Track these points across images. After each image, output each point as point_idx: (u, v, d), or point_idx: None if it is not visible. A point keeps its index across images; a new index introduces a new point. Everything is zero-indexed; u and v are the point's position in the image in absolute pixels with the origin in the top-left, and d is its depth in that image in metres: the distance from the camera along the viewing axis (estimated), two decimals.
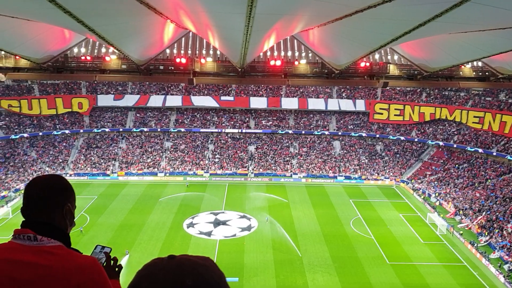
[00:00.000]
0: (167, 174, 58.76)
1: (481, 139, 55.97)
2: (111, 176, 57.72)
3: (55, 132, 61.48)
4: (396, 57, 39.71)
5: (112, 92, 64.94)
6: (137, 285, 1.44)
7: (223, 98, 64.98)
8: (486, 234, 39.86)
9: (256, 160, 61.67)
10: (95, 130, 63.72)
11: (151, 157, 61.42)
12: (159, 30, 26.63)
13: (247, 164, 61.00)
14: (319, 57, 35.10)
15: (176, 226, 41.08)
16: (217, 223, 42.03)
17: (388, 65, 38.71)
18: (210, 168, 60.20)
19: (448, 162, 58.42)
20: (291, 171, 60.06)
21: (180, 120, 65.81)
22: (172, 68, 37.09)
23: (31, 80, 60.14)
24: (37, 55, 31.11)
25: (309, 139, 65.57)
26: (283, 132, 65.10)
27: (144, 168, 59.56)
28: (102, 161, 60.22)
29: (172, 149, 63.27)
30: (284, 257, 34.95)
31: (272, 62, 37.01)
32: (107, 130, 64.04)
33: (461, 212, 45.55)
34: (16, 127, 59.77)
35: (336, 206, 47.91)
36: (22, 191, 49.78)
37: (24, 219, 2.07)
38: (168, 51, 39.02)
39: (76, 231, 37.06)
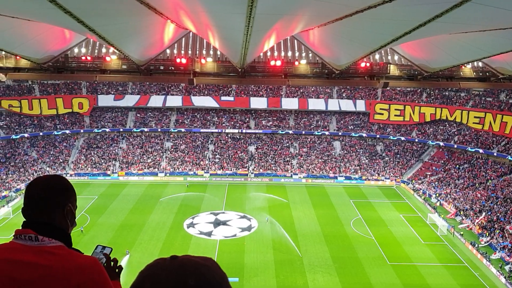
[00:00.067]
0: (168, 174, 58.78)
1: (482, 140, 55.95)
2: (111, 176, 57.75)
3: (55, 132, 61.52)
4: (396, 57, 39.69)
5: (112, 92, 64.99)
6: (140, 285, 1.45)
7: (223, 98, 65.00)
8: (487, 234, 39.84)
9: (256, 161, 61.68)
10: (96, 130, 63.77)
11: (152, 157, 61.44)
12: (159, 30, 26.63)
13: (247, 165, 61.01)
14: (319, 57, 35.07)
15: (177, 226, 41.09)
16: (217, 223, 42.04)
17: (389, 65, 38.67)
18: (210, 168, 60.22)
19: (448, 162, 58.40)
20: (291, 172, 60.06)
21: (180, 120, 65.84)
22: (173, 68, 37.09)
23: (32, 80, 60.20)
24: (37, 55, 31.11)
25: (309, 139, 65.58)
26: (283, 132, 65.11)
27: (145, 168, 59.58)
28: (102, 161, 60.26)
29: (172, 149, 63.29)
30: (284, 257, 34.95)
31: (272, 63, 36.99)
32: (107, 130, 64.08)
33: (461, 212, 45.53)
34: (17, 127, 59.82)
35: (337, 206, 47.91)
36: (23, 191, 49.96)
37: (25, 220, 2.07)
38: (168, 51, 39.02)
39: (76, 231, 37.07)
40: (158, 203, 47.70)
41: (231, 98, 65.39)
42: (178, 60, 36.29)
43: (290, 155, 62.99)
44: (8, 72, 35.66)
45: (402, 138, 63.15)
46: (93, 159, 60.40)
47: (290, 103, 65.55)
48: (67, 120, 63.10)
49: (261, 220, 42.57)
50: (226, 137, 65.65)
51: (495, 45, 24.34)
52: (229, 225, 41.73)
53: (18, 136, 59.09)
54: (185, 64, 36.42)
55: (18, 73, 36.79)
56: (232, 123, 65.92)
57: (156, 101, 64.47)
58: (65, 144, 62.34)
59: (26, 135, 59.73)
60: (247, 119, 66.49)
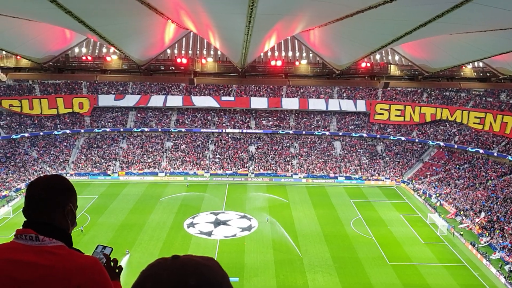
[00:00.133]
0: (168, 174, 58.80)
1: (482, 140, 55.93)
2: (111, 176, 57.78)
3: (56, 132, 61.56)
4: (397, 57, 39.68)
5: (113, 92, 65.01)
6: (141, 285, 1.46)
7: (223, 98, 65.01)
8: (487, 234, 39.83)
9: (256, 160, 61.68)
10: (96, 130, 63.79)
11: (152, 157, 61.46)
12: (160, 30, 26.65)
13: (247, 164, 61.02)
14: (320, 58, 35.08)
15: (177, 226, 41.10)
16: (217, 223, 42.05)
17: (389, 65, 38.67)
18: (211, 168, 60.23)
19: (449, 162, 58.38)
20: (291, 172, 60.06)
21: (180, 120, 65.86)
22: (173, 68, 37.11)
23: (32, 80, 60.21)
24: (38, 55, 31.14)
25: (309, 139, 65.57)
26: (284, 132, 65.11)
27: (145, 168, 59.61)
28: (102, 161, 60.29)
29: (172, 149, 63.31)
30: (284, 257, 34.96)
31: (272, 63, 36.99)
32: (108, 130, 64.11)
33: (461, 212, 45.52)
34: (17, 126, 59.86)
35: (337, 206, 47.91)
36: (23, 191, 50.04)
37: (26, 219, 2.08)
38: (169, 51, 39.03)
39: (76, 230, 37.09)
40: (158, 203, 47.71)
41: (232, 98, 65.40)
42: (178, 60, 36.32)
43: (290, 155, 62.99)
44: (9, 72, 35.70)
45: (403, 138, 63.13)
46: (94, 159, 60.43)
47: (290, 103, 65.54)
48: (68, 120, 63.14)
49: (261, 220, 42.58)
50: (227, 137, 65.66)
51: (496, 45, 24.34)
52: (229, 225, 41.75)
53: (18, 136, 59.13)
54: (186, 64, 36.45)
55: (19, 73, 36.83)
56: (233, 123, 65.93)
57: (156, 101, 64.49)
58: (65, 143, 62.37)
59: (26, 134, 59.76)
60: (248, 119, 66.50)
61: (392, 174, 59.35)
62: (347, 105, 65.25)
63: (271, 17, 19.12)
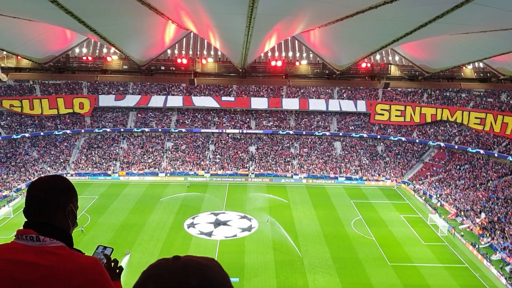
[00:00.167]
0: (168, 174, 58.82)
1: (483, 140, 55.90)
2: (112, 176, 57.80)
3: (56, 132, 61.60)
4: (397, 58, 39.71)
5: (113, 92, 65.05)
6: (143, 285, 1.47)
7: (224, 98, 65.03)
8: (488, 235, 39.80)
9: (256, 161, 61.69)
10: (96, 130, 63.83)
11: (152, 157, 61.49)
12: (160, 30, 26.67)
13: (247, 165, 61.02)
14: (320, 58, 35.09)
15: (177, 226, 41.11)
16: (217, 223, 42.05)
17: (389, 66, 38.67)
18: (211, 168, 60.24)
19: (449, 163, 58.35)
20: (292, 172, 60.05)
21: (181, 121, 65.88)
22: (173, 68, 37.14)
23: (33, 80, 60.28)
24: (38, 55, 31.17)
25: (310, 139, 65.56)
26: (284, 132, 65.11)
27: (145, 168, 59.62)
28: (103, 161, 60.31)
29: (173, 149, 63.33)
30: (284, 258, 34.95)
31: (273, 63, 36.99)
32: (108, 130, 64.14)
33: (462, 213, 45.49)
34: (18, 127, 59.90)
35: (337, 207, 47.89)
36: (24, 191, 50.05)
37: (26, 220, 2.09)
38: (169, 51, 39.07)
39: (77, 230, 37.10)
40: (159, 203, 47.72)
41: (232, 98, 65.42)
42: (179, 61, 36.36)
43: (290, 156, 62.99)
44: (10, 72, 35.74)
45: (403, 139, 63.12)
46: (94, 159, 60.46)
47: (290, 104, 65.55)
48: (68, 120, 63.18)
49: (261, 221, 42.57)
50: (227, 137, 65.66)
51: (496, 45, 24.34)
52: (230, 225, 41.74)
53: (19, 136, 59.17)
54: (186, 65, 36.48)
55: (19, 73, 36.87)
56: (233, 123, 65.94)
57: (157, 101, 64.52)
58: (66, 144, 62.41)
59: (27, 135, 59.81)
60: (248, 119, 66.51)
61: (392, 175, 59.33)
62: (347, 105, 65.25)
63: (271, 17, 19.14)
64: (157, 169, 59.54)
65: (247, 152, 63.48)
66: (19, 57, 33.60)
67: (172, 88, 65.91)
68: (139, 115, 66.07)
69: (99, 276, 1.93)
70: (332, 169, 60.42)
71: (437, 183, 54.49)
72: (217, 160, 61.70)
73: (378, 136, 64.36)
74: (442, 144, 59.62)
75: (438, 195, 51.46)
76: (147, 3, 18.73)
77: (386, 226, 42.27)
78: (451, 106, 60.50)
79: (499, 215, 42.45)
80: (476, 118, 57.32)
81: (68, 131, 62.10)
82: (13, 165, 55.68)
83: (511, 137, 52.78)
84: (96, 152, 61.77)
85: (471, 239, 39.57)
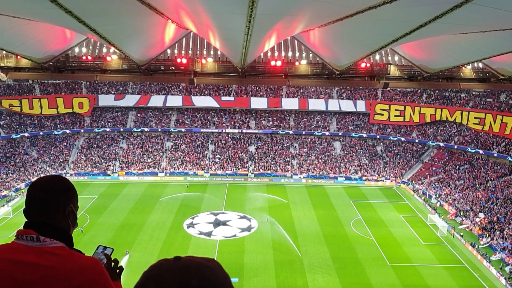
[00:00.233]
0: (168, 174, 58.81)
1: (482, 140, 55.95)
2: (111, 176, 57.78)
3: (55, 132, 61.56)
4: (396, 58, 39.69)
5: (113, 92, 65.02)
6: (144, 286, 1.47)
7: (223, 98, 65.03)
8: (487, 235, 39.83)
9: (256, 161, 61.69)
10: (96, 130, 63.80)
11: (152, 157, 61.47)
12: (160, 30, 26.65)
13: (247, 165, 61.02)
14: (320, 58, 35.07)
15: (176, 226, 41.10)
16: (217, 223, 42.05)
17: (389, 66, 38.66)
18: (211, 168, 60.24)
19: (448, 163, 58.40)
20: (291, 172, 60.06)
21: (180, 120, 65.87)
22: (173, 68, 37.10)
23: (32, 79, 60.22)
24: (38, 55, 31.13)
25: (309, 139, 65.59)
26: (284, 132, 65.12)
27: (145, 168, 59.61)
28: (102, 161, 60.29)
29: (172, 149, 63.32)
30: (284, 258, 34.96)
31: (272, 63, 36.98)
32: (107, 130, 64.12)
33: (461, 213, 45.52)
34: (17, 126, 59.86)
35: (337, 207, 47.92)
36: (23, 191, 50.03)
37: (26, 220, 2.09)
38: (169, 51, 39.00)
39: (76, 230, 37.04)
40: (158, 203, 47.71)
41: (232, 98, 65.42)
42: (178, 60, 36.32)
43: (290, 155, 63.00)
44: (9, 71, 35.68)
45: (402, 139, 63.16)
46: (93, 158, 60.43)
47: (290, 103, 65.57)
48: (68, 120, 63.14)
49: (261, 221, 42.58)
50: (226, 137, 65.67)
51: (495, 46, 24.35)
52: (229, 225, 41.74)
53: (18, 136, 59.13)
54: (186, 64, 36.44)
55: (19, 73, 36.81)
56: (232, 123, 65.94)
57: (156, 101, 64.51)
58: (65, 143, 62.37)
59: (26, 134, 59.77)
60: (247, 119, 66.51)
61: (392, 175, 59.37)
62: (347, 105, 65.28)
63: (271, 17, 19.14)
64: (156, 169, 59.53)
65: (247, 152, 63.49)
66: (18, 57, 33.56)
67: (172, 87, 65.89)
68: (138, 114, 66.04)
69: (99, 276, 1.93)
70: (331, 169, 60.44)
71: (436, 183, 54.54)
72: (217, 160, 61.70)
73: (378, 136, 64.40)
74: (442, 144, 59.67)
75: (437, 195, 51.50)
76: (147, 3, 18.72)
77: (386, 226, 42.30)
78: (450, 106, 60.55)
79: (498, 215, 42.50)
80: (475, 118, 57.38)
81: (67, 131, 62.07)
82: (13, 165, 55.64)
83: (510, 137, 52.84)
84: (96, 152, 61.74)
85: (471, 239, 39.60)
